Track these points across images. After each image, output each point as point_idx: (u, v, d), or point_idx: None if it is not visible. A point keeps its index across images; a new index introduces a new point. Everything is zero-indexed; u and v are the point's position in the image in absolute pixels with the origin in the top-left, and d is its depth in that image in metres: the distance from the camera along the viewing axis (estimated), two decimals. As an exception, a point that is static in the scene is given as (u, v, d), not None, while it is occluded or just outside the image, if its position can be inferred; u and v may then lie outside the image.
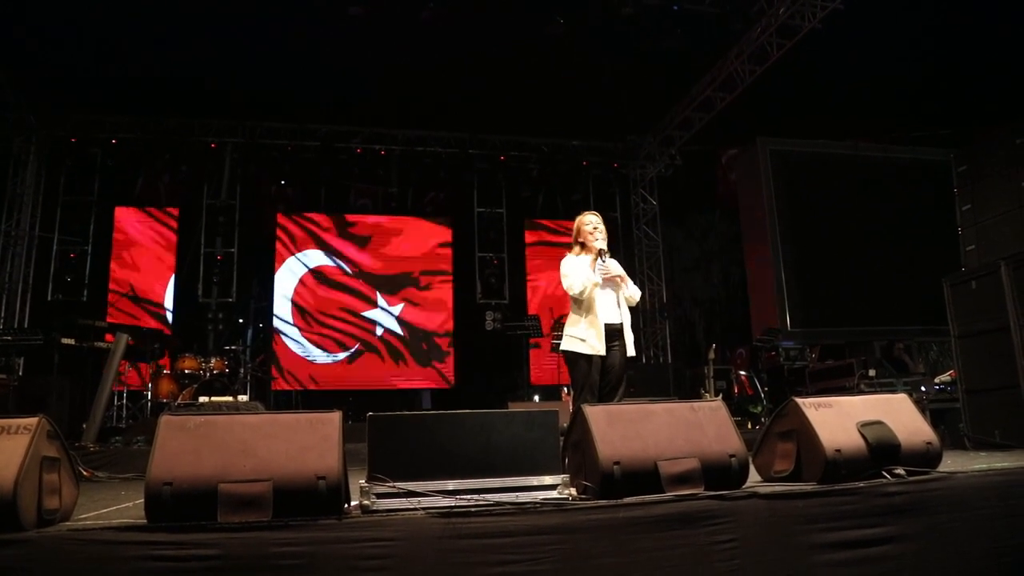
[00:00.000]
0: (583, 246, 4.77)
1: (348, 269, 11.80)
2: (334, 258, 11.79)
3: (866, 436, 2.97)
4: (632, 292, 4.67)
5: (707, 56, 9.52)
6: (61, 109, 10.42)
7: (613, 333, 4.56)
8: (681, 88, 10.48)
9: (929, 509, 2.84)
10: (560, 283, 4.71)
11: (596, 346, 4.47)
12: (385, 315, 11.78)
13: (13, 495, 2.12)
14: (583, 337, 4.49)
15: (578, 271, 4.58)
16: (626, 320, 4.63)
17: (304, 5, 8.09)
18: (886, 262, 9.32)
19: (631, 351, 4.61)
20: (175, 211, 11.32)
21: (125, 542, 2.16)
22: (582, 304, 4.56)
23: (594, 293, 4.52)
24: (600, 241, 4.65)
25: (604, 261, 4.57)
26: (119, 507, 3.02)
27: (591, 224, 4.75)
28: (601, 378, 4.54)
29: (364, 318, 11.69)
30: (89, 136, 10.74)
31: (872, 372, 7.99)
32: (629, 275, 4.75)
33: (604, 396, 4.53)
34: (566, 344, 4.58)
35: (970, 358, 5.74)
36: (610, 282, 4.62)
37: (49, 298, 10.54)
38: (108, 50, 8.71)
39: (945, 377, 7.13)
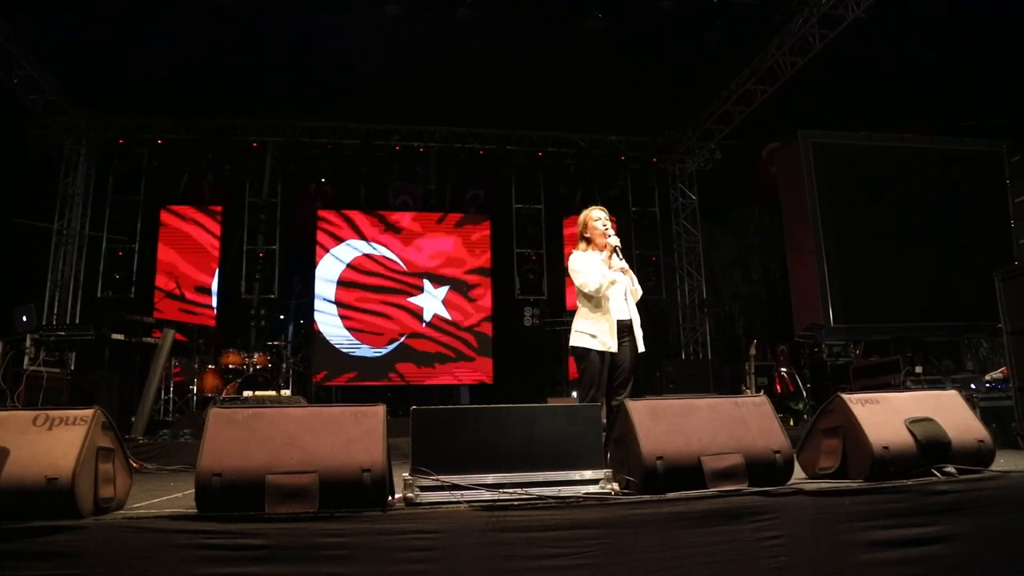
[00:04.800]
0: (589, 241, 4.74)
1: (390, 259, 11.91)
2: (375, 250, 11.91)
3: (915, 433, 2.91)
4: (636, 287, 4.67)
5: (747, 49, 9.38)
6: (110, 112, 10.72)
7: (623, 329, 4.53)
8: (720, 81, 10.35)
9: (980, 509, 2.77)
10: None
11: (608, 342, 4.44)
12: (431, 300, 11.87)
13: (71, 484, 2.19)
14: (594, 333, 4.46)
15: (593, 268, 4.54)
16: (635, 315, 4.60)
17: (343, 5, 8.18)
18: (933, 256, 9.10)
19: (641, 346, 4.56)
20: (218, 209, 11.57)
21: (177, 531, 2.23)
22: (592, 300, 4.54)
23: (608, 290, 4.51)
24: (614, 237, 4.61)
25: (621, 258, 4.55)
26: (170, 497, 3.10)
27: (600, 220, 4.70)
28: (611, 374, 4.50)
29: (410, 304, 11.79)
30: (136, 138, 11.03)
31: (919, 368, 7.80)
32: (668, 271, 4.74)
33: (613, 392, 4.49)
34: (576, 340, 4.54)
35: (1023, 355, 5.58)
36: (620, 278, 4.58)
37: (99, 295, 10.84)
38: (154, 54, 8.91)
39: (996, 374, 6.94)
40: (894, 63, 9.06)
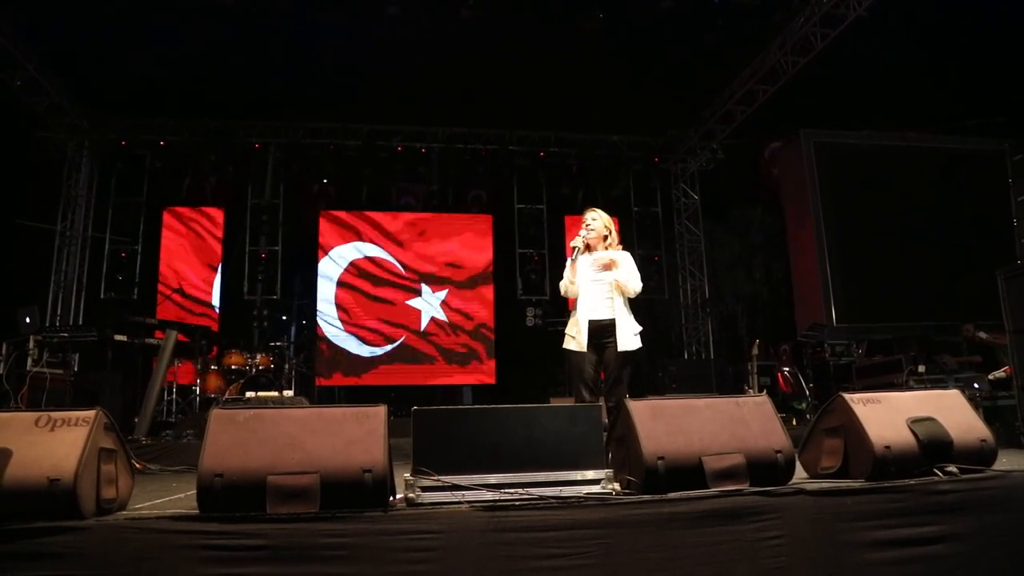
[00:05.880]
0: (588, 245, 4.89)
1: (391, 262, 11.92)
2: (377, 252, 11.92)
3: (917, 433, 2.90)
4: (620, 277, 4.61)
5: (748, 48, 9.37)
6: (112, 113, 10.75)
7: (604, 329, 4.60)
8: (722, 81, 10.34)
9: (983, 508, 2.76)
10: None
11: (582, 342, 4.58)
12: (429, 304, 11.88)
13: (73, 484, 2.20)
14: (573, 334, 4.64)
15: (566, 270, 4.74)
16: (620, 315, 4.60)
17: (344, 6, 8.18)
18: (936, 255, 9.09)
19: (624, 346, 4.54)
20: (221, 211, 11.57)
21: (179, 531, 2.23)
22: (572, 302, 4.74)
23: (580, 290, 4.66)
24: (577, 239, 4.77)
25: (574, 259, 4.70)
26: (172, 498, 3.10)
27: (584, 221, 4.86)
28: (604, 374, 4.64)
29: (408, 307, 11.80)
30: (138, 139, 11.06)
31: (921, 368, 7.79)
32: (670, 271, 4.77)
33: (606, 395, 4.61)
34: (564, 341, 4.73)
35: (1026, 354, 5.55)
36: (600, 277, 4.67)
37: (102, 296, 10.87)
38: (155, 55, 8.92)
39: (1000, 373, 6.93)
40: (896, 62, 9.04)
